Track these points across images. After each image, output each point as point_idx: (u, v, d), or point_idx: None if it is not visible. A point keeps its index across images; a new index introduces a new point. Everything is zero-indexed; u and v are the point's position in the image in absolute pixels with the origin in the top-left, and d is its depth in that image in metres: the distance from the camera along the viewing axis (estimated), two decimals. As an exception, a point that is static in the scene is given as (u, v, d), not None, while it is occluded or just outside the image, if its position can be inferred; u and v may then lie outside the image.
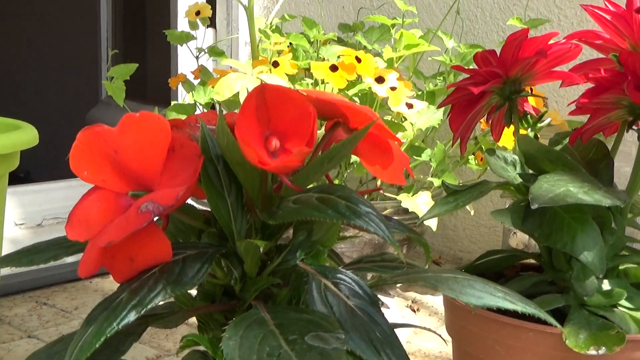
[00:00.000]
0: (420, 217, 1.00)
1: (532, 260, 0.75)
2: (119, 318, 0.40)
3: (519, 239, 1.12)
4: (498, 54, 0.65)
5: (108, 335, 0.39)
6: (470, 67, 1.11)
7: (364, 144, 0.47)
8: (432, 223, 1.06)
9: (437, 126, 1.08)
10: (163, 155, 0.45)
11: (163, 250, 0.43)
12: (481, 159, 1.13)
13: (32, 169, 2.35)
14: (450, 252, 1.35)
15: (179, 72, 1.46)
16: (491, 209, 1.30)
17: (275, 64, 0.98)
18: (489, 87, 0.64)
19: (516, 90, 0.66)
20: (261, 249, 0.43)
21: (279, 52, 1.02)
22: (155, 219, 0.43)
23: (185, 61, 1.42)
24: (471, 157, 1.13)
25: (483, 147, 1.11)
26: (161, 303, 0.42)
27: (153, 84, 1.64)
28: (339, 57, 1.07)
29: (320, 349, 0.38)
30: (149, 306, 0.41)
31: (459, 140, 0.69)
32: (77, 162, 0.45)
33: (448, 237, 1.35)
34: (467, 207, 1.17)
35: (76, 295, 1.07)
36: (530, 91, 0.67)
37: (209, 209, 0.52)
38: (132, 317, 0.40)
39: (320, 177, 0.47)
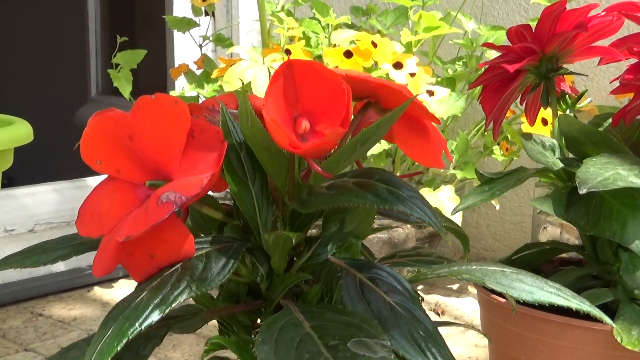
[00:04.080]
0: (443, 212, 0.99)
1: (571, 254, 0.74)
2: (142, 318, 0.39)
3: (550, 234, 1.11)
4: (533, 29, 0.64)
5: (130, 336, 0.39)
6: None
7: (400, 125, 0.47)
8: (457, 219, 1.05)
9: (459, 115, 1.07)
10: (182, 142, 0.44)
11: (185, 245, 0.43)
12: (506, 149, 1.13)
13: (16, 174, 2.33)
14: (473, 251, 1.34)
15: (176, 62, 1.45)
16: (517, 204, 1.29)
17: (288, 52, 0.97)
18: (524, 65, 0.63)
19: (553, 68, 0.65)
20: (293, 241, 0.42)
21: (291, 39, 1.01)
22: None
23: (183, 51, 1.41)
24: (495, 147, 1.13)
25: (509, 135, 1.11)
26: (157, 318, 0.41)
27: (146, 76, 1.63)
28: (352, 42, 1.06)
29: (366, 358, 0.37)
30: (173, 305, 0.40)
31: (491, 124, 0.68)
32: (89, 150, 0.44)
33: (470, 235, 1.34)
34: (492, 201, 1.16)
35: (74, 305, 1.06)
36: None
37: (227, 202, 0.52)
38: (155, 316, 0.39)
39: (351, 162, 0.46)
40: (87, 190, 1.38)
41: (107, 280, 1.14)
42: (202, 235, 0.48)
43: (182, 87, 1.24)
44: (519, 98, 0.68)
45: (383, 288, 0.45)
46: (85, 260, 1.15)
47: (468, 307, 1.09)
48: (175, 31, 1.45)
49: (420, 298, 0.46)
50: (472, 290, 1.15)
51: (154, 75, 1.71)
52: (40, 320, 1.00)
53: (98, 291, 1.11)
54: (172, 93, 1.23)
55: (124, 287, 1.12)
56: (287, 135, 0.41)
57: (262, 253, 0.47)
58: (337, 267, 0.47)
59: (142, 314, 0.39)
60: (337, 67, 0.96)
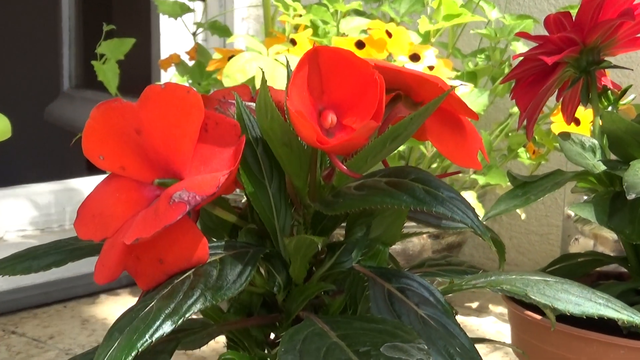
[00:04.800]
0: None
1: (609, 268, 0.75)
2: (152, 329, 0.40)
3: (581, 247, 1.12)
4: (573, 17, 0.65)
5: (140, 349, 0.39)
6: (520, 40, 1.11)
7: (434, 120, 0.47)
8: (479, 228, 1.06)
9: (482, 113, 1.08)
10: (195, 136, 0.45)
11: (198, 249, 0.43)
12: (533, 152, 1.14)
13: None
14: (494, 266, 1.35)
15: (162, 52, 1.46)
16: (543, 213, 1.30)
17: (293, 42, 0.98)
18: (563, 57, 0.64)
19: (595, 61, 0.66)
20: (319, 245, 0.43)
21: (295, 28, 1.02)
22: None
23: (170, 40, 1.42)
24: (521, 149, 1.14)
25: (536, 137, 1.12)
26: (170, 329, 0.42)
27: (127, 68, 1.64)
28: (362, 32, 1.07)
29: (402, 361, 0.37)
30: (186, 315, 0.40)
31: (524, 124, 0.69)
32: (91, 145, 0.45)
33: (491, 248, 1.35)
34: (517, 210, 1.17)
35: (49, 322, 1.06)
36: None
37: (236, 206, 0.52)
38: (167, 327, 0.40)
39: (378, 161, 0.47)
40: (63, 194, 1.38)
41: (87, 295, 1.15)
42: (214, 239, 0.48)
43: (170, 79, 1.25)
44: (554, 94, 0.69)
45: (414, 300, 0.46)
46: (62, 272, 1.15)
47: (489, 327, 1.10)
48: (161, 18, 1.46)
49: (454, 311, 0.47)
50: (494, 308, 1.16)
51: (135, 67, 1.72)
52: (13, 338, 1.00)
53: (77, 307, 1.12)
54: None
55: (106, 303, 1.13)
56: (314, 128, 0.42)
57: (280, 260, 0.48)
58: (363, 276, 0.47)
59: (152, 325, 0.40)
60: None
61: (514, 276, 0.47)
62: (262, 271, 0.49)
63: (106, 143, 0.45)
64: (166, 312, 0.41)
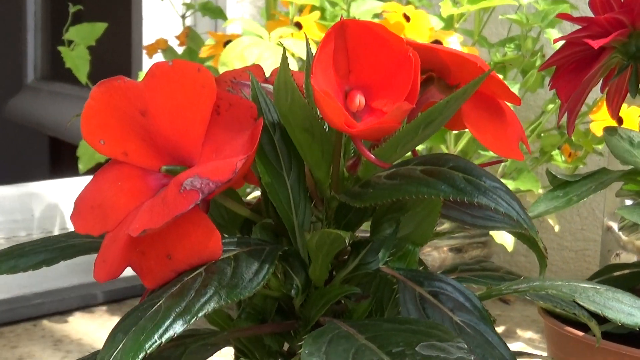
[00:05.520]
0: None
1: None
2: (162, 329, 0.41)
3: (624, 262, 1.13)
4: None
5: (148, 351, 0.41)
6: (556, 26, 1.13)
7: (471, 105, 0.49)
8: (508, 241, 1.08)
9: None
10: (206, 119, 0.46)
11: (211, 244, 0.45)
12: (569, 155, 1.15)
13: None
14: (522, 286, 1.36)
15: (144, 37, 1.48)
16: (579, 226, 1.32)
17: (298, 26, 1.00)
18: (611, 41, 0.65)
19: (645, 47, 0.68)
20: (347, 240, 0.44)
21: (300, 10, 1.04)
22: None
23: (155, 24, 1.44)
24: (556, 152, 1.15)
25: (573, 137, 1.14)
26: (181, 329, 0.43)
27: (104, 56, 1.65)
28: (376, 15, 1.09)
29: (440, 359, 0.39)
30: (199, 314, 0.42)
31: (565, 115, 0.71)
32: (91, 127, 0.47)
33: (519, 265, 1.37)
34: (550, 221, 1.19)
35: (17, 342, 1.08)
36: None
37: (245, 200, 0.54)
38: (178, 327, 0.41)
39: (409, 150, 0.49)
40: (29, 198, 1.39)
41: (59, 313, 1.16)
42: (225, 235, 0.50)
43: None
44: (601, 82, 0.71)
45: (448, 305, 0.47)
46: (31, 286, 1.17)
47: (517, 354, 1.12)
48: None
49: (492, 319, 0.48)
50: (523, 333, 1.18)
51: (114, 54, 1.74)
52: (-25, 359, 1.02)
53: (47, 325, 1.13)
54: (141, 75, 1.25)
55: (81, 322, 1.14)
56: (342, 111, 0.43)
57: (298, 260, 0.49)
58: (392, 278, 0.49)
59: (162, 324, 0.42)
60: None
61: (559, 282, 0.49)
62: (278, 272, 0.50)
63: (107, 126, 0.47)
64: (177, 310, 0.42)
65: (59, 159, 2.25)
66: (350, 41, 0.46)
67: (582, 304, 0.47)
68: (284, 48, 0.46)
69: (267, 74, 0.99)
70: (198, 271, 0.45)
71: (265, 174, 0.48)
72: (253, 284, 0.44)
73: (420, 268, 0.52)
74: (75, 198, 0.48)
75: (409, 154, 0.50)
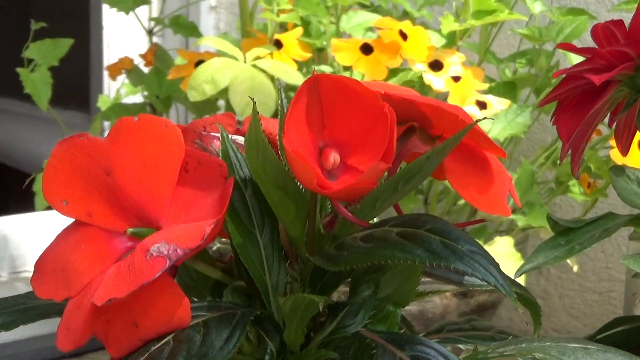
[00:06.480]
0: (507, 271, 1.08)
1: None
2: (130, 403, 0.48)
3: (651, 308, 1.20)
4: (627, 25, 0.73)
5: None
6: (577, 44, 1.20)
7: (454, 158, 0.56)
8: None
9: (522, 135, 1.16)
10: (174, 177, 0.53)
11: (179, 311, 0.51)
12: (588, 185, 1.21)
13: None
14: (541, 333, 1.42)
15: (105, 55, 1.54)
16: (603, 265, 1.38)
17: (278, 44, 1.06)
18: (615, 75, 0.72)
19: (653, 80, 0.75)
20: (320, 306, 0.51)
21: (281, 26, 1.10)
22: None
23: (118, 40, 1.50)
24: (573, 182, 1.21)
25: (592, 166, 1.20)
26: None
27: (59, 79, 1.72)
28: (369, 30, 1.16)
29: None
30: (168, 387, 0.49)
31: (568, 154, 0.77)
32: (53, 188, 0.53)
33: (519, 311, 1.43)
34: (568, 261, 1.25)
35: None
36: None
37: (219, 259, 0.61)
38: (146, 402, 0.48)
39: (388, 206, 0.56)
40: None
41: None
42: (194, 299, 0.57)
43: (117, 91, 1.33)
44: (607, 118, 0.77)
45: (431, 371, 0.54)
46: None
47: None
48: (104, 9, 1.54)
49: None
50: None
51: (69, 74, 1.80)
52: None
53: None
54: (102, 99, 1.32)
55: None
56: (315, 171, 0.50)
57: (272, 324, 0.56)
58: (371, 342, 0.55)
59: (129, 398, 0.48)
60: (350, 68, 1.06)
61: (548, 343, 0.56)
62: (252, 337, 0.57)
63: (70, 186, 0.53)
64: (144, 383, 0.49)
65: (6, 190, 2.30)
66: (324, 96, 0.53)
67: (570, 368, 0.53)
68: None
69: (241, 98, 1.06)
70: (166, 339, 0.51)
71: (236, 234, 0.55)
72: (223, 353, 0.51)
73: (403, 330, 0.58)
74: (36, 260, 0.55)
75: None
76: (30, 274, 1.25)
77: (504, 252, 1.14)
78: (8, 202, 2.15)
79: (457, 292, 1.17)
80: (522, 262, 1.14)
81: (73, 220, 0.55)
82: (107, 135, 0.54)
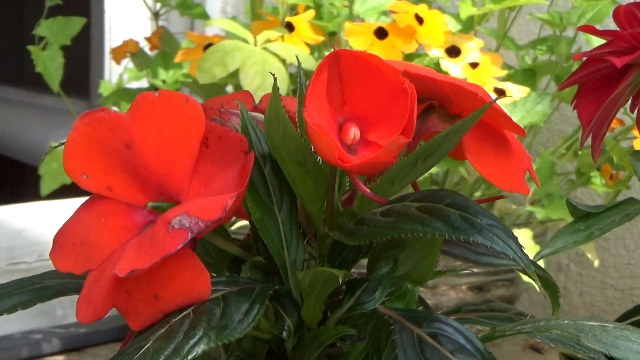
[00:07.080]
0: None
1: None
2: (150, 373, 0.52)
3: (674, 304, 1.23)
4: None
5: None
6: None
7: (473, 136, 0.60)
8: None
9: (541, 124, 1.19)
10: (194, 152, 0.57)
11: (199, 284, 0.55)
12: (610, 177, 1.25)
13: None
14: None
15: (107, 39, 1.58)
16: (625, 260, 1.41)
17: (289, 27, 1.10)
18: (637, 58, 0.76)
19: (676, 63, 0.78)
20: (340, 279, 0.55)
21: (292, 8, 1.14)
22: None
23: (122, 23, 1.54)
24: (594, 173, 1.24)
25: (614, 156, 1.23)
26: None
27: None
28: (383, 13, 1.20)
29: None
30: (189, 357, 0.52)
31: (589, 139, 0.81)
32: (74, 161, 0.57)
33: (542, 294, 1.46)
34: (589, 255, 1.29)
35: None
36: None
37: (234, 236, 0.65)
38: (167, 371, 0.52)
39: (407, 183, 0.60)
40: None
41: (35, 358, 1.25)
42: (213, 274, 0.61)
43: (120, 75, 1.37)
44: (629, 103, 0.81)
45: (448, 347, 0.58)
46: None
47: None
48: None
49: (496, 362, 0.59)
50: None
51: (68, 57, 1.84)
52: None
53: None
54: (104, 84, 1.35)
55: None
56: (336, 145, 0.54)
57: (290, 300, 0.60)
58: (389, 319, 0.59)
59: (151, 367, 0.52)
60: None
61: (566, 321, 0.59)
62: (269, 313, 0.60)
63: (91, 159, 0.57)
64: (165, 353, 0.53)
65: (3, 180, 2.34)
66: (344, 71, 0.57)
67: (588, 344, 0.57)
68: (275, 78, 0.56)
69: (252, 81, 1.10)
70: (186, 312, 0.55)
71: (255, 209, 0.59)
72: (243, 325, 0.55)
73: (420, 308, 0.62)
74: (55, 233, 0.59)
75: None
76: (27, 266, 1.29)
77: (522, 245, 1.17)
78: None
79: (473, 286, 1.21)
80: (540, 253, 1.18)
81: (91, 195, 0.58)
82: (128, 109, 0.58)
